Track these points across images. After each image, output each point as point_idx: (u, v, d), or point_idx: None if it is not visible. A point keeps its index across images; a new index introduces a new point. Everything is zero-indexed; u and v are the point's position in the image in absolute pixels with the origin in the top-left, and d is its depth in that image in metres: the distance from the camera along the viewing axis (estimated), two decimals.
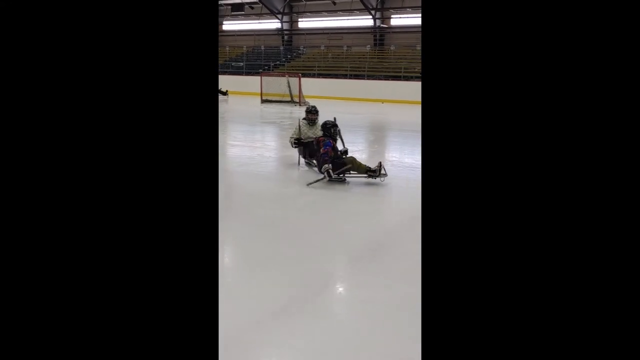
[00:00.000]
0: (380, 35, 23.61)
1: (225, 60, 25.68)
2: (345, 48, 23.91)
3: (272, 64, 24.51)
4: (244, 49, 26.54)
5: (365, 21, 23.79)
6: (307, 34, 25.75)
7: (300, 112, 12.68)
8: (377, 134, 11.00)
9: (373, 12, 23.00)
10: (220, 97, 17.40)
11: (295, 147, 6.36)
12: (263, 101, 17.97)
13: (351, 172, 5.38)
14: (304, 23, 26.26)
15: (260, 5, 25.43)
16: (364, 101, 19.05)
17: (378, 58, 22.72)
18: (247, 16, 26.34)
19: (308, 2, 24.83)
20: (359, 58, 22.94)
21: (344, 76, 21.60)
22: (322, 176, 5.30)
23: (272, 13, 25.91)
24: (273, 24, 26.62)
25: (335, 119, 6.08)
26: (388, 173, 5.30)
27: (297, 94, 17.63)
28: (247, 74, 23.46)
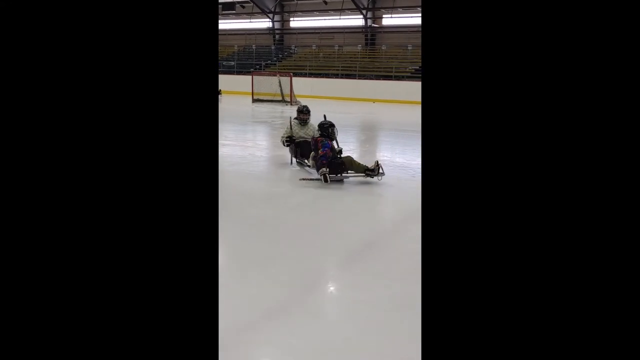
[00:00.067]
0: (371, 34, 23.65)
1: None
2: (336, 47, 23.91)
3: (263, 63, 24.45)
4: (235, 48, 26.44)
5: (356, 21, 23.82)
6: (298, 33, 25.72)
7: (291, 111, 12.67)
8: (368, 134, 11.02)
9: (364, 11, 23.03)
10: None
11: (287, 145, 6.35)
12: (254, 100, 17.91)
13: (349, 171, 5.39)
14: (296, 22, 26.23)
15: (252, 4, 25.36)
16: (355, 100, 19.07)
17: (369, 58, 22.76)
18: (239, 15, 26.25)
19: (299, 2, 24.80)
20: (351, 57, 22.96)
21: (336, 76, 21.60)
22: (318, 176, 5.31)
23: (264, 12, 25.85)
24: (264, 23, 26.55)
25: (325, 116, 6.08)
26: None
27: (289, 93, 17.61)
28: (239, 73, 23.37)
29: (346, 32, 23.85)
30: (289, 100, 17.33)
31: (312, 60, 23.22)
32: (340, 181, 5.35)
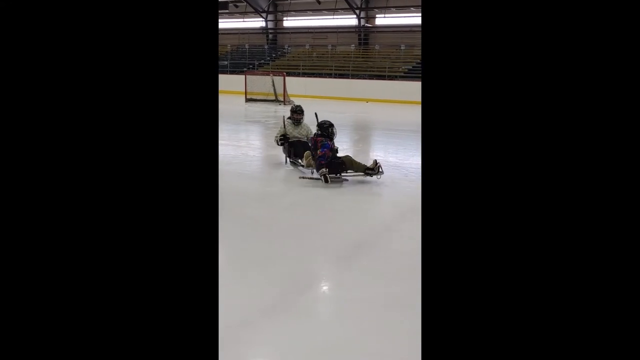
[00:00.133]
0: (364, 34, 23.66)
1: None
2: (329, 47, 23.89)
3: (256, 63, 24.38)
4: (228, 47, 26.34)
5: (349, 20, 23.81)
6: (291, 32, 25.67)
7: (284, 111, 12.64)
8: (362, 133, 11.02)
9: (357, 11, 23.03)
10: None
11: (281, 144, 6.35)
12: (247, 100, 17.85)
13: (348, 171, 5.40)
14: (289, 22, 26.17)
15: (245, 3, 25.27)
16: (349, 100, 19.06)
17: (362, 57, 22.77)
18: (232, 14, 26.14)
19: (293, 1, 24.76)
20: (344, 57, 22.95)
21: (329, 75, 21.58)
22: (317, 175, 5.31)
23: (257, 12, 25.77)
24: (257, 22, 26.47)
25: (316, 114, 6.08)
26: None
27: (282, 92, 17.57)
28: (232, 72, 23.28)
29: (339, 32, 23.84)
30: (282, 99, 17.30)
31: (305, 60, 23.18)
32: (341, 181, 5.36)
